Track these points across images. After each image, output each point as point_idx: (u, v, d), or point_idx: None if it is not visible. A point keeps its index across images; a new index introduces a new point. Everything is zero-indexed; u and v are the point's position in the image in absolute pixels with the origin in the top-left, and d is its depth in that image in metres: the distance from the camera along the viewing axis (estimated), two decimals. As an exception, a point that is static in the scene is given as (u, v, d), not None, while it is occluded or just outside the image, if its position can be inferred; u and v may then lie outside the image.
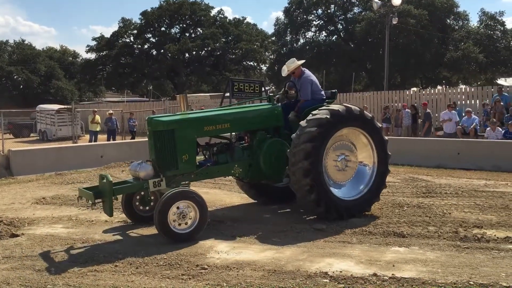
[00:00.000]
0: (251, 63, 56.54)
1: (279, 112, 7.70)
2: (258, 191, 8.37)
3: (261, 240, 6.36)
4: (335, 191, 7.19)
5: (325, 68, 41.67)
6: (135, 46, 56.45)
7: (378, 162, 7.55)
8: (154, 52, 55.34)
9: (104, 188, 6.37)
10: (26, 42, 62.66)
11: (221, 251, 5.92)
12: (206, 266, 5.33)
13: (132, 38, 56.84)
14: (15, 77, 55.99)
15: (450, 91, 21.87)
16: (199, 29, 55.97)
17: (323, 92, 8.05)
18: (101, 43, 55.96)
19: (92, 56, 58.12)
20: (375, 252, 5.75)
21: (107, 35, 57.33)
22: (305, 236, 6.46)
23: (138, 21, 55.63)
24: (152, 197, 7.19)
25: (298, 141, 6.85)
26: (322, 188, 6.89)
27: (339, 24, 49.49)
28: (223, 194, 9.67)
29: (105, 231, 7.01)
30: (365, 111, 7.53)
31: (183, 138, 6.76)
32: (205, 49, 53.52)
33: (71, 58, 66.75)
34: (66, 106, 32.18)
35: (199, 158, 7.49)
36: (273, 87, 56.97)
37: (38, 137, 31.01)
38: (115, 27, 57.05)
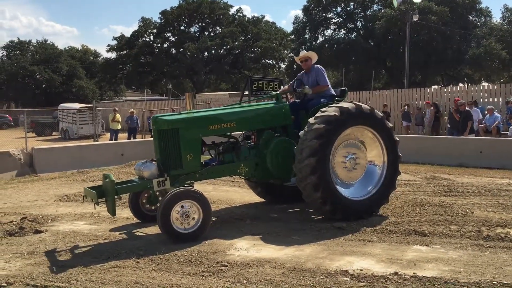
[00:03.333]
0: (270, 61, 56.57)
1: (287, 111, 7.54)
2: (266, 190, 8.28)
3: (280, 237, 6.36)
4: (342, 190, 7.03)
5: (344, 66, 41.41)
6: (155, 45, 56.98)
7: (388, 162, 7.35)
8: (174, 51, 55.74)
9: (106, 188, 6.36)
10: (48, 42, 63.66)
11: (241, 248, 5.94)
12: (226, 263, 5.35)
13: (151, 37, 57.40)
14: (38, 76, 56.94)
15: (472, 88, 21.51)
16: (218, 27, 56.21)
17: (332, 90, 7.89)
18: (122, 43, 56.63)
19: (112, 55, 58.92)
20: (396, 250, 5.70)
21: (127, 34, 58.06)
22: (324, 234, 6.44)
23: (158, 21, 56.18)
24: (160, 196, 7.15)
25: (305, 137, 6.74)
26: (329, 187, 6.75)
27: (359, 22, 49.15)
28: (242, 192, 9.69)
29: (126, 228, 7.10)
30: (375, 110, 7.34)
31: (187, 137, 6.69)
32: (224, 47, 53.72)
33: (92, 58, 67.58)
34: (87, 105, 32.65)
35: (206, 157, 7.48)
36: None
37: (60, 136, 31.53)
38: (135, 27, 57.88)
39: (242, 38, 54.35)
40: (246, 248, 5.95)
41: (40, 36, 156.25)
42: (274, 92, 7.99)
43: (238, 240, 6.28)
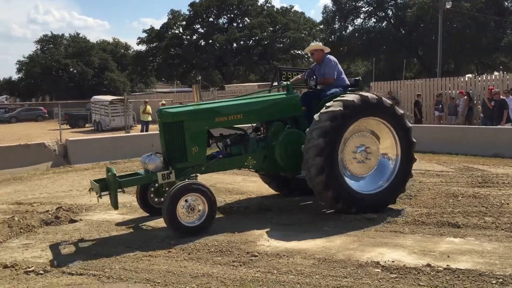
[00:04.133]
0: (299, 51, 56.18)
1: (297, 102, 7.34)
2: (280, 182, 8.12)
3: (310, 228, 6.34)
4: (354, 184, 6.84)
5: (374, 55, 40.77)
6: (184, 37, 57.36)
7: (402, 151, 7.11)
8: (203, 43, 55.99)
9: (109, 181, 6.35)
10: (80, 35, 65.01)
11: (270, 238, 5.96)
12: (256, 254, 5.37)
13: (181, 29, 57.78)
14: (71, 69, 58.21)
15: (508, 77, 20.85)
16: (246, 18, 56.12)
17: (346, 78, 7.64)
18: (152, 35, 57.22)
19: (143, 48, 59.62)
20: (429, 242, 5.61)
21: (157, 27, 58.64)
22: (355, 225, 6.39)
23: (187, 13, 56.42)
24: (167, 189, 6.84)
25: (311, 136, 6.54)
26: (339, 184, 6.57)
27: (389, 10, 48.20)
28: (272, 182, 9.67)
29: (156, 218, 7.19)
30: (384, 99, 7.06)
31: (192, 130, 6.61)
32: (253, 38, 53.65)
33: (123, 50, 68.60)
34: (118, 97, 33.19)
35: (214, 150, 7.41)
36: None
37: (93, 128, 32.18)
38: (164, 19, 58.32)
39: (271, 28, 54.13)
40: (275, 238, 5.96)
41: (72, 30, 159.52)
42: (285, 83, 7.69)
43: (268, 230, 6.29)
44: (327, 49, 7.74)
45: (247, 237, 6.03)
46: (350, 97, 6.81)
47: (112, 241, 6.13)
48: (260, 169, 7.35)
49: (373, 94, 7.04)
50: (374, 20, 48.91)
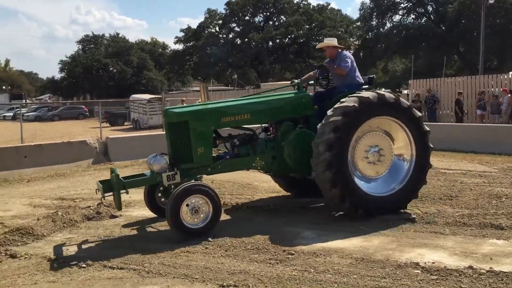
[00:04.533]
0: (335, 49, 55.55)
1: (308, 101, 7.11)
2: (291, 183, 7.91)
3: (347, 227, 6.28)
4: (363, 186, 6.59)
5: (413, 52, 39.90)
6: (220, 36, 57.69)
7: (416, 155, 6.82)
8: (239, 41, 56.19)
9: (112, 182, 6.29)
10: (120, 35, 66.29)
11: (307, 237, 5.94)
12: (293, 252, 5.37)
13: (217, 28, 58.16)
14: (110, 68, 59.51)
15: (555, 74, 20.03)
16: (282, 16, 55.95)
17: (360, 77, 7.32)
18: (188, 34, 57.84)
19: (180, 47, 60.32)
20: (471, 244, 5.46)
21: (194, 26, 59.16)
22: (393, 225, 6.28)
23: (223, 11, 56.70)
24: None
25: (322, 130, 6.33)
26: (347, 183, 6.34)
27: (429, 6, 47.07)
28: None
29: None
30: (402, 99, 6.79)
31: (198, 130, 6.48)
32: (289, 36, 53.45)
33: (160, 50, 69.66)
34: (156, 96, 33.74)
35: (222, 150, 7.30)
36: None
37: (132, 126, 32.83)
38: (201, 18, 58.95)
39: (307, 26, 53.77)
40: (312, 237, 5.94)
41: (112, 30, 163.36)
42: (296, 81, 7.38)
43: (304, 228, 6.28)
44: (341, 47, 7.51)
45: (283, 235, 6.02)
46: (366, 94, 6.61)
47: (150, 237, 6.26)
48: (268, 170, 7.14)
49: (391, 93, 6.78)
50: (413, 16, 47.86)
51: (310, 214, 7.06)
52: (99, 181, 6.54)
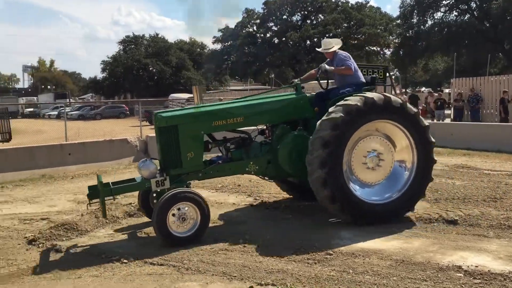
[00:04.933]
0: (374, 48, 54.82)
1: (305, 103, 6.81)
2: (292, 185, 7.66)
3: (387, 229, 6.18)
4: (357, 190, 6.32)
5: (455, 50, 38.87)
6: (258, 35, 57.87)
7: (418, 166, 6.48)
8: (276, 41, 56.22)
9: (97, 189, 6.11)
10: (159, 36, 67.45)
11: (345, 237, 5.89)
12: (331, 252, 5.34)
13: (255, 28, 58.34)
14: (150, 68, 60.65)
15: None
16: (320, 15, 55.59)
17: (361, 75, 7.02)
18: (226, 34, 58.27)
19: (218, 46, 60.85)
20: (516, 248, 5.29)
21: (232, 26, 59.52)
22: (434, 227, 6.16)
23: (261, 11, 56.84)
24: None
25: (320, 127, 6.09)
26: (339, 184, 6.06)
27: (472, 3, 45.70)
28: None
29: (233, 213, 7.35)
30: (409, 105, 6.46)
31: (187, 135, 6.25)
32: (327, 35, 53.02)
33: (199, 49, 70.43)
34: (193, 95, 34.10)
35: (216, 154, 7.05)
36: (397, 72, 54.68)
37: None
38: (239, 18, 59.15)
39: (345, 25, 53.26)
40: (350, 237, 5.88)
41: (152, 30, 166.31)
42: (296, 80, 7.08)
43: (343, 229, 6.22)
44: (339, 44, 7.15)
45: (321, 235, 5.99)
46: (372, 95, 6.30)
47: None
48: (263, 175, 6.90)
49: (381, 94, 6.43)
50: (456, 13, 46.60)
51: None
52: (89, 186, 6.39)
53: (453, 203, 7.34)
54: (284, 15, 56.70)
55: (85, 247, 5.93)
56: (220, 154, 6.94)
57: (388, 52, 55.54)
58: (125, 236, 6.37)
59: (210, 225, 6.71)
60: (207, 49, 70.11)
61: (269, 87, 50.76)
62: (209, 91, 54.04)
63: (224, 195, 8.10)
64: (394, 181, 6.55)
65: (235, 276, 4.77)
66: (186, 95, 35.32)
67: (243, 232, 6.22)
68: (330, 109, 6.19)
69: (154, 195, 6.23)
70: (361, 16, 52.44)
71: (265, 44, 55.79)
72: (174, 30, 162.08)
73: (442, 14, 46.78)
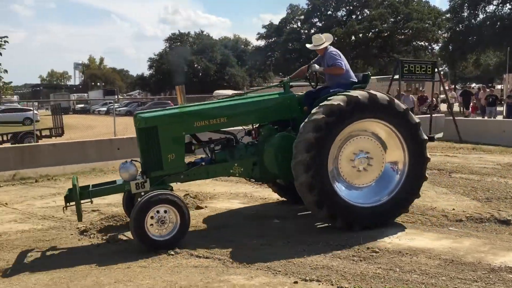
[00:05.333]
0: (422, 43, 53.38)
1: (293, 102, 6.53)
2: (284, 187, 7.38)
3: (436, 227, 6.04)
4: (346, 193, 6.00)
5: (509, 45, 37.26)
6: (302, 31, 57.53)
7: (410, 166, 6.14)
8: (321, 36, 55.64)
9: (71, 192, 5.93)
10: (204, 33, 68.34)
11: (392, 236, 5.78)
12: (377, 250, 5.26)
13: (299, 24, 58.04)
14: (195, 65, 61.53)
15: None
16: (366, 10, 54.62)
17: (353, 75, 6.68)
18: (270, 30, 58.29)
19: (261, 43, 60.95)
20: None
21: (276, 22, 59.45)
22: (486, 227, 5.96)
23: (305, 7, 56.49)
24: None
25: (303, 130, 5.81)
26: (325, 188, 5.78)
27: (528, -6, 43.66)
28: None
29: (278, 209, 7.36)
30: (397, 101, 6.10)
31: (168, 136, 6.04)
32: (372, 30, 52.11)
33: (243, 46, 70.87)
34: (238, 92, 34.36)
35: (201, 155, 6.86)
36: (446, 68, 53.05)
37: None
38: (283, 14, 59.09)
39: (392, 19, 52.08)
40: (398, 235, 5.78)
41: (197, 28, 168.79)
42: (285, 79, 6.79)
43: (389, 227, 6.11)
44: (330, 40, 6.85)
45: (367, 232, 5.90)
46: (356, 93, 5.98)
47: (234, 228, 6.40)
48: (249, 177, 6.61)
49: (367, 91, 6.05)
50: (510, 6, 44.67)
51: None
52: (68, 189, 6.16)
53: (506, 202, 7.08)
54: (329, 11, 56.10)
55: (129, 242, 6.08)
56: (204, 156, 6.68)
57: (436, 47, 53.96)
58: (171, 229, 6.50)
59: (254, 220, 6.77)
60: (251, 45, 70.41)
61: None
62: (253, 87, 54.20)
63: (269, 190, 8.11)
64: (385, 183, 6.21)
65: (279, 271, 4.79)
66: (230, 91, 35.58)
67: (286, 228, 6.22)
68: (313, 111, 5.92)
69: (142, 194, 6.03)
70: (409, 10, 51.12)
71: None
72: (219, 27, 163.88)
73: (494, 7, 44.96)
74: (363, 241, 5.56)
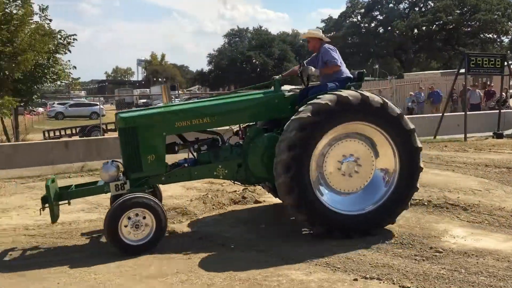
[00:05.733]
0: (490, 35, 50.87)
1: (281, 101, 6.19)
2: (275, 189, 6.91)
3: (505, 228, 5.77)
4: (328, 199, 5.66)
5: None
6: (362, 25, 56.43)
7: (400, 173, 5.75)
8: (381, 30, 54.41)
9: (56, 192, 5.82)
10: (263, 28, 68.54)
11: (457, 235, 5.58)
12: (440, 250, 5.09)
13: (359, 17, 56.94)
14: (253, 61, 61.95)
15: None
16: (430, 2, 52.74)
17: (347, 71, 6.34)
18: (329, 24, 57.56)
19: (320, 37, 60.33)
20: None
21: (335, 16, 58.66)
22: (561, 230, 5.60)
23: (366, 0, 55.33)
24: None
25: (279, 149, 5.54)
26: (305, 191, 5.47)
27: None
28: (456, 176, 9.02)
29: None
30: (391, 105, 5.69)
31: (147, 136, 5.86)
32: (436, 23, 50.23)
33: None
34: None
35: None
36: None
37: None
38: (342, 8, 58.23)
39: (458, 11, 49.96)
40: (462, 236, 5.56)
41: (256, 23, 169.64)
42: (277, 77, 6.50)
43: (453, 226, 5.91)
44: (326, 39, 6.51)
45: (430, 231, 5.74)
46: (346, 93, 5.63)
47: (291, 224, 6.37)
48: (234, 179, 6.31)
49: (359, 92, 5.71)
50: None
51: (461, 211, 6.57)
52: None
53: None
54: (390, 3, 54.63)
55: (194, 231, 6.25)
56: (191, 157, 6.40)
57: (506, 39, 51.27)
58: (230, 222, 6.60)
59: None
60: (310, 40, 69.75)
61: (373, 78, 49.38)
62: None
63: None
64: (372, 191, 5.82)
65: (338, 268, 4.74)
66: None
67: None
68: (300, 109, 5.65)
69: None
70: (476, 1, 48.83)
71: (369, 34, 54.22)
72: (277, 23, 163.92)
73: None
74: (426, 241, 5.40)
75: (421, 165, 5.83)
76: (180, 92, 62.81)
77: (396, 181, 5.78)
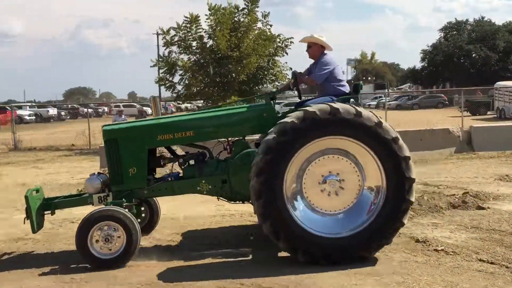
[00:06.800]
0: None
1: (270, 115, 5.70)
2: None
3: None
4: (309, 223, 5.13)
5: None
6: None
7: (388, 188, 5.10)
8: None
9: (43, 202, 5.87)
10: (485, 19, 62.38)
11: None
12: None
13: None
14: (473, 55, 56.88)
15: None
16: None
17: (346, 85, 5.79)
18: None
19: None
20: None
21: None
22: None
23: None
24: (142, 208, 6.47)
25: (257, 152, 5.18)
26: (280, 217, 5.03)
27: None
28: None
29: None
30: (366, 113, 5.10)
31: (129, 149, 5.80)
32: None
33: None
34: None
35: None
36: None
37: (495, 115, 30.51)
38: None
39: None
40: None
41: (476, 14, 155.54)
42: (273, 89, 5.71)
43: None
44: (329, 48, 5.87)
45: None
46: (314, 108, 5.13)
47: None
48: (218, 195, 5.93)
49: (328, 105, 5.11)
50: None
51: None
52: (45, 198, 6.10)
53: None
54: None
55: (409, 233, 6.01)
56: (178, 171, 6.23)
57: None
58: (449, 227, 6.19)
59: None
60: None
61: None
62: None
63: None
64: (359, 210, 5.23)
65: None
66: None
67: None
68: (270, 130, 5.22)
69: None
70: None
71: None
72: (501, 11, 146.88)
73: None
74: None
75: (413, 175, 5.12)
76: (390, 90, 61.61)
77: (384, 197, 5.18)
